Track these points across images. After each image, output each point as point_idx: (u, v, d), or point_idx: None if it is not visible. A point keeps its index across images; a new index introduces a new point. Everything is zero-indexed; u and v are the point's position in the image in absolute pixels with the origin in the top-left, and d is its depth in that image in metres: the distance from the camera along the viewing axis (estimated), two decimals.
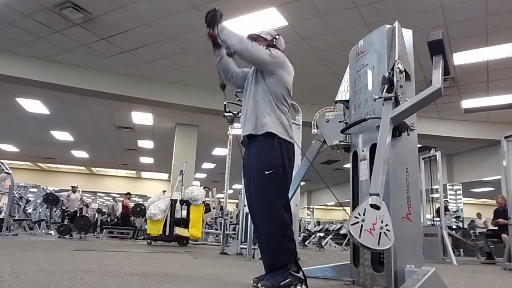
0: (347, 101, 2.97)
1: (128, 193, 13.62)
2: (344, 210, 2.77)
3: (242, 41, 2.22)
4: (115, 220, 12.96)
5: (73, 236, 8.90)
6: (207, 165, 16.88)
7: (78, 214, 9.86)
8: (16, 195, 9.58)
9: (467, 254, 8.72)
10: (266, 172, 2.12)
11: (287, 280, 2.04)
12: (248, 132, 2.26)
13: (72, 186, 10.83)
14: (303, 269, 2.19)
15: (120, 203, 13.81)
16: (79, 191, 11.20)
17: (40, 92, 8.58)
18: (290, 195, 2.98)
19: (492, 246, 7.29)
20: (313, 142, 3.18)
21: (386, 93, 2.34)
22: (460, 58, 6.84)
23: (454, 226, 9.15)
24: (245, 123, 2.32)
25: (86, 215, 11.39)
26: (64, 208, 10.07)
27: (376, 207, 1.94)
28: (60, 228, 8.95)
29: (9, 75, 7.45)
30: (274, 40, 2.44)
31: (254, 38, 2.42)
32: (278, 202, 2.14)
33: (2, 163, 9.00)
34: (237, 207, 12.78)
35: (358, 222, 1.89)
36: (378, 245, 1.85)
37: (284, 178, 2.20)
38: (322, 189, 22.23)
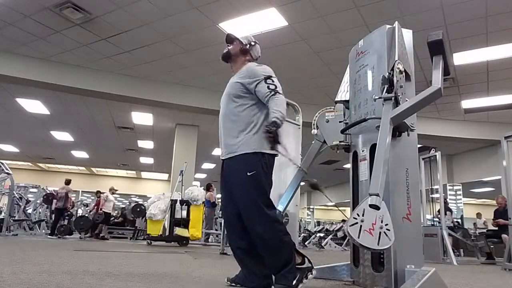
0: (347, 101, 2.98)
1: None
2: (341, 211, 2.78)
3: (282, 114, 2.16)
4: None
5: (62, 237, 8.85)
6: (207, 165, 16.87)
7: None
8: (16, 195, 9.58)
9: (467, 254, 8.71)
10: (248, 174, 2.15)
11: (298, 276, 2.07)
12: (228, 156, 2.33)
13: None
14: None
15: None
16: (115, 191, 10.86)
17: (40, 92, 8.58)
18: (287, 199, 2.99)
19: (492, 246, 7.29)
20: (313, 142, 3.18)
21: (386, 93, 2.34)
22: (460, 58, 6.84)
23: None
24: (224, 142, 2.41)
25: (86, 215, 11.38)
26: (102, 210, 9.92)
27: (375, 207, 1.93)
28: (60, 228, 8.95)
29: (9, 75, 7.44)
30: (248, 45, 2.46)
31: (232, 39, 2.48)
32: (263, 201, 2.15)
33: (2, 163, 9.01)
34: None
35: (357, 223, 1.89)
36: (378, 244, 1.85)
37: (266, 179, 2.21)
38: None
